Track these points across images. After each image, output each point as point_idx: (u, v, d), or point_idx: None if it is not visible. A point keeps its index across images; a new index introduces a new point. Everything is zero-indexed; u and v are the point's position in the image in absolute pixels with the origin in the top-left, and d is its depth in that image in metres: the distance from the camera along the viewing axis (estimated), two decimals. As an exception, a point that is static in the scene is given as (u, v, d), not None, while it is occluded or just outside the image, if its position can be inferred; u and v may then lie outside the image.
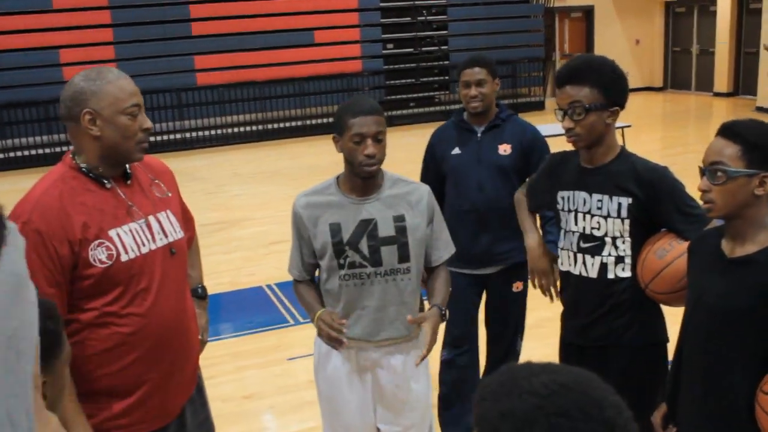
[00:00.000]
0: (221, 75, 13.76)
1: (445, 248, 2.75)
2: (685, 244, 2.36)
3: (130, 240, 2.20)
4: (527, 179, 3.08)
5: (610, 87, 2.47)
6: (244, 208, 8.91)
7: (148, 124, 2.23)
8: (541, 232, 3.04)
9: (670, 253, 2.39)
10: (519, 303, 3.58)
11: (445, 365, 3.63)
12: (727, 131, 2.00)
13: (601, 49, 17.53)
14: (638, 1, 18.26)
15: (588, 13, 18.41)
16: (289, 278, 2.79)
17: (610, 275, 2.54)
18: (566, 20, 18.42)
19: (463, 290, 3.51)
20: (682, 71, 18.18)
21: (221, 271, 6.57)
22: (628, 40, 18.46)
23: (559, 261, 2.71)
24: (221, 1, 13.74)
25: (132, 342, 2.21)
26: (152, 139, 2.43)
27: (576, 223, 2.59)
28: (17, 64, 12.52)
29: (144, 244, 2.23)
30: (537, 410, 0.91)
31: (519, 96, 16.11)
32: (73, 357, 2.18)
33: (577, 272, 2.61)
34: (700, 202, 2.13)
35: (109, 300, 2.17)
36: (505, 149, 3.45)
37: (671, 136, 12.78)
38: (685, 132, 13.30)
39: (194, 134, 13.72)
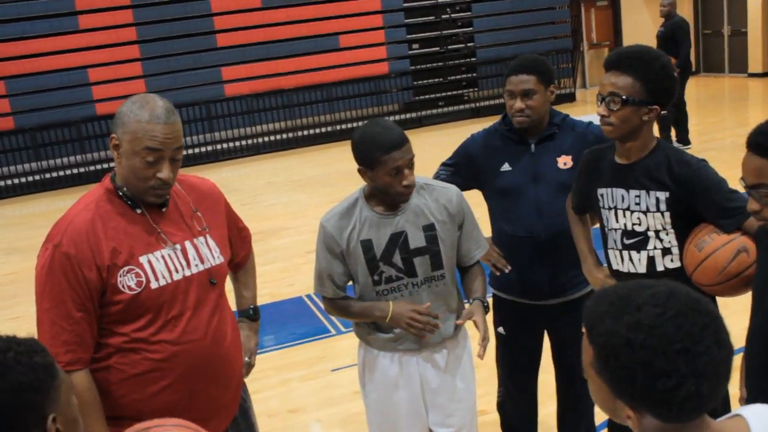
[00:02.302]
0: (249, 85, 13.79)
1: (477, 247, 2.70)
2: (724, 236, 2.29)
3: (161, 267, 2.16)
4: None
5: (655, 84, 2.36)
6: (279, 217, 8.88)
7: (164, 174, 2.09)
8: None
9: (709, 245, 2.32)
10: None
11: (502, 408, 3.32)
12: (760, 148, 1.86)
13: (629, 36, 17.25)
14: (665, -15, 17.92)
15: (614, 0, 18.13)
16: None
17: (660, 268, 2.47)
18: (592, 9, 18.16)
19: (519, 323, 3.06)
20: (715, 54, 17.79)
21: (260, 282, 6.44)
22: (656, 26, 18.08)
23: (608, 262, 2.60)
24: (245, 11, 13.77)
25: (163, 368, 2.17)
26: (183, 152, 2.28)
27: (617, 221, 2.52)
28: (47, 86, 12.65)
29: (177, 271, 2.19)
30: (659, 317, 1.09)
31: (549, 89, 15.88)
32: (105, 381, 2.15)
33: (625, 270, 2.53)
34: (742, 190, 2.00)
35: (138, 326, 2.14)
36: (565, 162, 2.90)
37: (707, 121, 12.45)
38: (721, 117, 12.98)
39: (225, 145, 13.76)
